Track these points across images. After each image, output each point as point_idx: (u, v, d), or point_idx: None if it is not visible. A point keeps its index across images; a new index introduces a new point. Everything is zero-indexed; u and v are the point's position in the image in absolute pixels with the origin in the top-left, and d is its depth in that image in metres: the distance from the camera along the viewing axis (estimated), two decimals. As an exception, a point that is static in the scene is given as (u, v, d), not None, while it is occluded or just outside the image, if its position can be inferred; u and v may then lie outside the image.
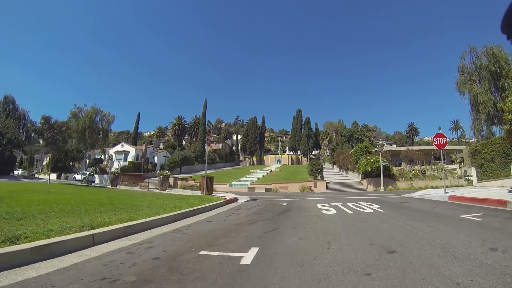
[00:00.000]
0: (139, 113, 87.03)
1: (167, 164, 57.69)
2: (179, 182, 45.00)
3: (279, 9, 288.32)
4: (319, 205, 11.80)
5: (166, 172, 21.10)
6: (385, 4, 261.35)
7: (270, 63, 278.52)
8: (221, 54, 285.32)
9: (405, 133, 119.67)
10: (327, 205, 11.90)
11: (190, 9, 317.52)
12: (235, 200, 15.55)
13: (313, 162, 45.22)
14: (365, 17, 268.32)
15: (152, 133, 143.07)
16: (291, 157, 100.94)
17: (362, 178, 44.32)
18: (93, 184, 27.45)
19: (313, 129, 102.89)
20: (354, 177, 50.48)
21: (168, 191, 19.48)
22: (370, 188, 40.66)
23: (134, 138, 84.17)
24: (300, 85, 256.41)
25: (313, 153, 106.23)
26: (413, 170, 45.95)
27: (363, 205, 11.45)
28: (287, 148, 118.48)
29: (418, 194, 20.98)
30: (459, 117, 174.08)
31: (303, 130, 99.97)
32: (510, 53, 27.15)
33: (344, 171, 58.40)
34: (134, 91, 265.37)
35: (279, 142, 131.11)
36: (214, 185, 46.71)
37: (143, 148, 68.74)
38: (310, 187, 39.05)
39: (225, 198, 14.24)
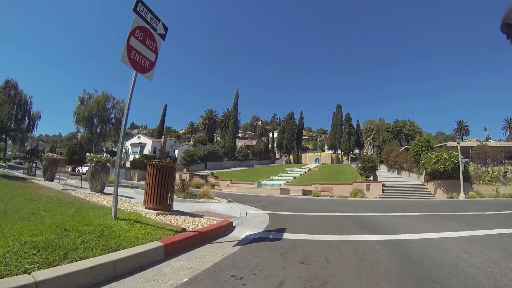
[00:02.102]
0: (165, 105, 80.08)
1: (183, 157, 49.49)
2: (196, 179, 36.46)
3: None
4: None
5: (101, 156, 11.02)
6: None
7: (307, 57, 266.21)
8: (258, 46, 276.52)
9: (454, 132, 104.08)
10: None
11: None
12: (220, 233, 5.91)
13: (365, 158, 34.93)
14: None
15: (184, 130, 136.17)
16: (331, 156, 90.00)
17: (427, 180, 33.52)
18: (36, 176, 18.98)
19: (354, 126, 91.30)
20: (411, 178, 39.57)
21: (103, 195, 9.91)
22: (440, 194, 30.06)
23: (160, 131, 76.65)
24: (338, 81, 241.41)
25: (354, 152, 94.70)
26: (492, 171, 34.59)
27: None
28: (326, 147, 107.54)
29: None
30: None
31: (343, 127, 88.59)
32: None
33: (396, 171, 47.35)
34: (168, 86, 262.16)
35: (318, 141, 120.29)
36: (238, 184, 37.95)
37: (162, 140, 61.00)
38: (362, 190, 28.98)
39: (181, 231, 4.92)
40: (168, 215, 6.72)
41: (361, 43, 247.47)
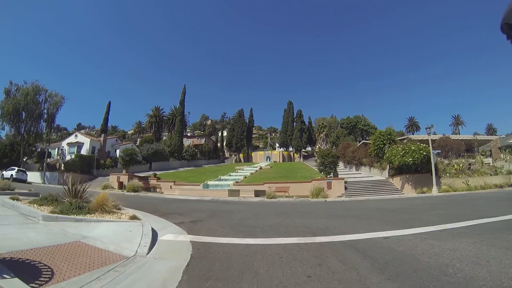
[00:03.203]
0: (109, 102, 69.14)
1: (121, 157, 42.48)
2: (134, 181, 30.69)
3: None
4: None
5: None
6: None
7: (257, 55, 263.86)
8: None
9: (405, 129, 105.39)
10: None
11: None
12: None
13: (325, 153, 30.28)
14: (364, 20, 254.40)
15: (132, 130, 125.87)
16: (283, 154, 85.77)
17: (392, 175, 30.04)
18: None
19: (306, 123, 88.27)
20: (373, 173, 36.15)
21: None
22: (408, 189, 26.58)
23: (103, 130, 66.88)
24: (289, 79, 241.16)
25: (306, 149, 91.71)
26: (456, 164, 32.09)
27: None
28: (277, 144, 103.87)
29: None
30: (459, 112, 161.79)
31: (295, 124, 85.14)
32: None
33: (353, 167, 44.07)
34: (116, 84, 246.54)
35: (269, 139, 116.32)
36: (182, 186, 31.66)
37: (101, 139, 52.99)
38: (323, 188, 24.25)
39: None
40: None
41: (311, 38, 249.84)
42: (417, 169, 27.15)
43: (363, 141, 51.94)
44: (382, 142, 34.30)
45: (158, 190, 31.61)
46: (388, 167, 31.66)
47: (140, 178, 33.93)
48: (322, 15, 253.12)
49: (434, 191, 24.07)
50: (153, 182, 34.00)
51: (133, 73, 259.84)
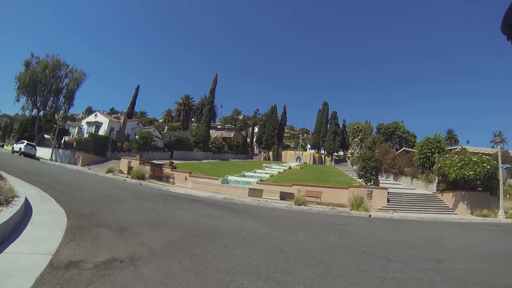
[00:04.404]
0: (138, 86, 68.15)
1: (135, 140, 39.83)
2: (143, 167, 28.17)
3: None
4: None
5: None
6: None
7: (294, 54, 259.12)
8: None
9: (444, 141, 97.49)
10: None
11: None
12: None
13: (366, 155, 26.04)
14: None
15: (162, 119, 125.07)
16: (313, 155, 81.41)
17: (442, 190, 25.38)
18: None
19: (340, 126, 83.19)
20: (416, 186, 31.67)
21: None
22: (463, 209, 21.94)
23: (129, 114, 65.54)
24: (324, 80, 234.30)
25: (338, 153, 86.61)
26: (517, 183, 27.34)
27: None
28: (308, 146, 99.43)
29: None
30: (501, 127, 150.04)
31: (329, 125, 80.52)
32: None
33: (391, 177, 39.49)
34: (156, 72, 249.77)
35: (300, 139, 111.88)
36: (198, 178, 25.63)
37: (122, 121, 50.91)
38: (363, 198, 20.21)
39: None
40: None
41: (354, 42, 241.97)
42: (473, 186, 22.61)
43: (404, 148, 47.03)
44: (430, 151, 29.82)
45: (171, 180, 28.85)
46: (436, 180, 27.10)
47: (153, 165, 31.38)
48: (366, 13, 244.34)
49: (500, 215, 19.47)
50: (167, 171, 31.23)
51: (170, 64, 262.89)
